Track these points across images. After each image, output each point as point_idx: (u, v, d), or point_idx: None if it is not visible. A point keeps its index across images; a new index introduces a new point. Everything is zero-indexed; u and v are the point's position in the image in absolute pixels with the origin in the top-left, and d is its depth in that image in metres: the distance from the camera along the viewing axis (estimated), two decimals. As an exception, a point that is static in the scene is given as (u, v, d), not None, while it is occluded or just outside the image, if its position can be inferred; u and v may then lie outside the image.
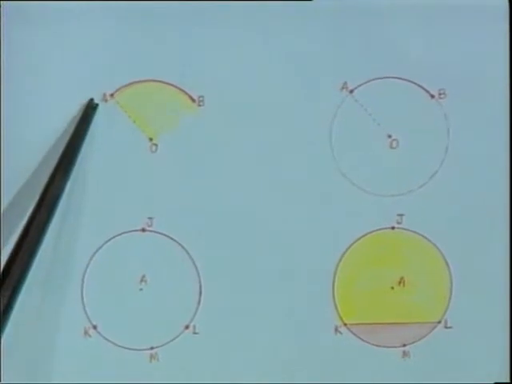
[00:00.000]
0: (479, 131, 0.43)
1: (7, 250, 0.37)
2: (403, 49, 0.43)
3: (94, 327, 0.43)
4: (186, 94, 0.43)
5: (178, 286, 0.43)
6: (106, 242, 0.42)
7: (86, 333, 0.43)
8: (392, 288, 0.44)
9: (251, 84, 0.43)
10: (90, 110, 0.42)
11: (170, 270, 0.43)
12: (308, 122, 0.43)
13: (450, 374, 0.44)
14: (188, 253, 0.43)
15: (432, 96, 0.43)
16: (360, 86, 0.43)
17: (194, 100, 0.43)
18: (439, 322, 0.44)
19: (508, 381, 0.44)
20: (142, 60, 0.42)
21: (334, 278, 0.43)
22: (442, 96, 0.43)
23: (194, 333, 0.43)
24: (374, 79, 0.43)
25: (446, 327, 0.44)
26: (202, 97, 0.43)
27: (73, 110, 0.42)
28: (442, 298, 0.44)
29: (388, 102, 0.43)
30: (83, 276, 0.42)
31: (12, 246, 0.37)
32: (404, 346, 0.44)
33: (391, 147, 0.43)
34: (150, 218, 0.43)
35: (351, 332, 0.44)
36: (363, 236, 0.44)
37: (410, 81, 0.43)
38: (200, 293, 0.43)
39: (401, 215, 0.44)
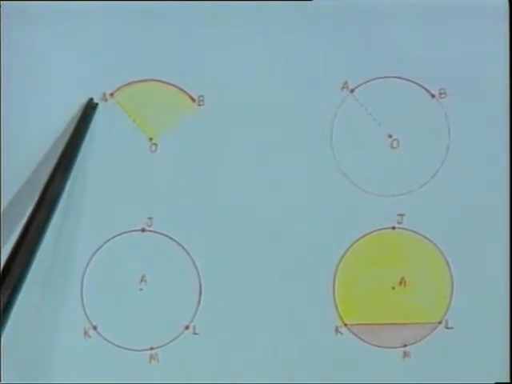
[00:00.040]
0: (480, 131, 0.43)
1: (7, 249, 0.37)
2: (404, 48, 0.43)
3: (94, 328, 0.43)
4: (186, 93, 0.43)
5: (177, 286, 0.43)
6: (106, 241, 0.42)
7: (85, 333, 0.43)
8: (393, 288, 0.44)
9: (251, 84, 0.43)
10: (89, 109, 0.42)
11: (170, 270, 0.43)
12: (308, 122, 0.43)
13: (450, 374, 0.44)
14: (188, 253, 0.43)
15: (433, 96, 0.43)
16: (360, 85, 0.43)
17: (193, 100, 0.43)
18: (440, 323, 0.44)
19: (508, 381, 0.44)
20: (141, 60, 0.42)
21: (335, 278, 0.43)
22: (442, 96, 0.43)
23: (194, 333, 0.43)
24: (374, 79, 0.43)
25: (446, 328, 0.44)
26: (202, 96, 0.43)
27: (73, 110, 0.42)
28: (442, 298, 0.44)
29: (389, 101, 0.43)
30: (83, 276, 0.42)
31: (12, 245, 0.37)
32: (405, 346, 0.44)
33: (392, 147, 0.43)
34: (149, 218, 0.43)
35: (352, 332, 0.44)
36: (364, 236, 0.43)
37: (410, 80, 0.43)
38: (200, 293, 0.43)
39: (401, 215, 0.43)
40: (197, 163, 0.43)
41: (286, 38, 0.43)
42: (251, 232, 0.43)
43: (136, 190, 0.43)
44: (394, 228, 0.44)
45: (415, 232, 0.44)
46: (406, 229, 0.44)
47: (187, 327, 0.43)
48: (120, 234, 0.42)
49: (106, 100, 0.42)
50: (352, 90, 0.43)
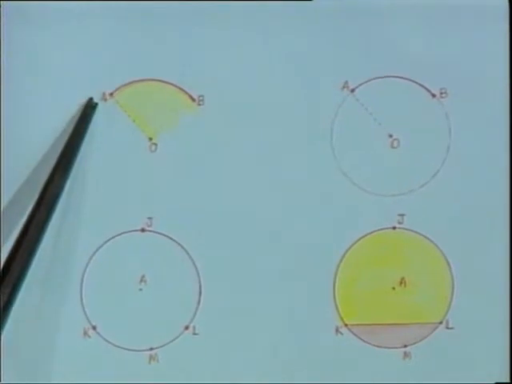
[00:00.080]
0: (480, 130, 0.43)
1: (7, 248, 0.37)
2: (404, 48, 0.43)
3: (94, 328, 0.42)
4: (186, 93, 0.43)
5: (177, 286, 0.43)
6: (106, 241, 0.42)
7: (85, 333, 0.42)
8: (393, 288, 0.44)
9: (251, 84, 0.43)
10: (89, 109, 0.42)
11: (170, 270, 0.43)
12: (309, 122, 0.43)
13: (450, 374, 0.44)
14: (188, 253, 0.43)
15: (433, 95, 0.43)
16: (361, 85, 0.43)
17: (193, 99, 0.43)
18: (440, 323, 0.44)
19: (508, 381, 0.43)
20: (141, 59, 0.42)
21: (335, 278, 0.43)
22: (443, 95, 0.43)
23: (194, 333, 0.43)
24: (374, 78, 0.43)
25: (447, 328, 0.44)
26: (202, 96, 0.43)
27: (72, 110, 0.42)
28: (443, 298, 0.44)
29: (389, 101, 0.43)
30: (82, 276, 0.42)
31: (12, 244, 0.37)
32: (405, 346, 0.44)
33: (392, 147, 0.43)
34: (149, 218, 0.43)
35: (352, 332, 0.43)
36: (364, 236, 0.43)
37: (411, 80, 0.43)
38: (200, 293, 0.43)
39: (402, 215, 0.43)
40: (197, 163, 0.43)
41: (286, 38, 0.43)
42: (251, 232, 0.43)
43: (136, 189, 0.42)
44: (394, 228, 0.44)
45: (416, 232, 0.44)
46: (406, 229, 0.44)
47: (187, 327, 0.43)
48: (120, 234, 0.42)
49: (105, 100, 0.42)
50: (352, 90, 0.43)
